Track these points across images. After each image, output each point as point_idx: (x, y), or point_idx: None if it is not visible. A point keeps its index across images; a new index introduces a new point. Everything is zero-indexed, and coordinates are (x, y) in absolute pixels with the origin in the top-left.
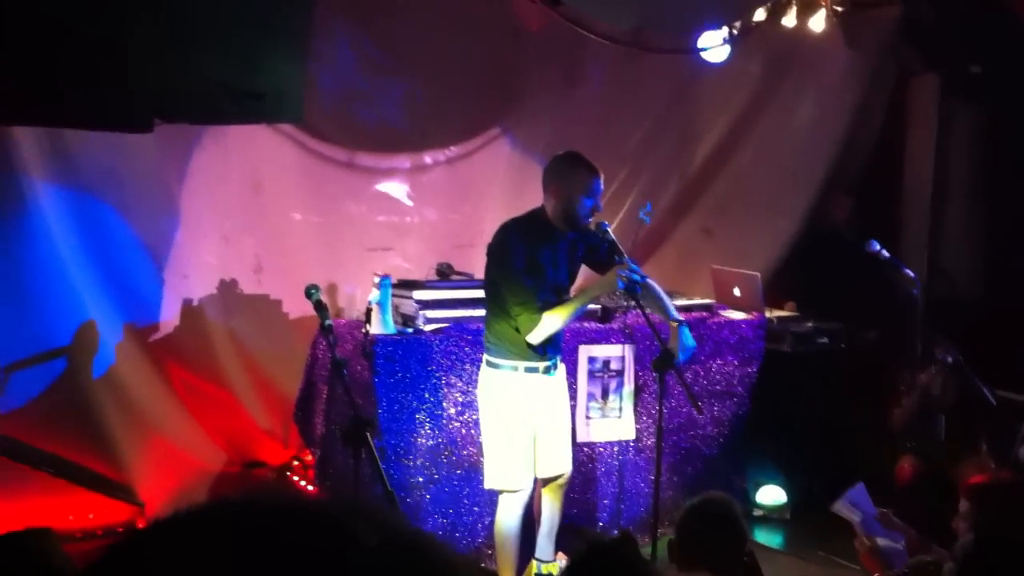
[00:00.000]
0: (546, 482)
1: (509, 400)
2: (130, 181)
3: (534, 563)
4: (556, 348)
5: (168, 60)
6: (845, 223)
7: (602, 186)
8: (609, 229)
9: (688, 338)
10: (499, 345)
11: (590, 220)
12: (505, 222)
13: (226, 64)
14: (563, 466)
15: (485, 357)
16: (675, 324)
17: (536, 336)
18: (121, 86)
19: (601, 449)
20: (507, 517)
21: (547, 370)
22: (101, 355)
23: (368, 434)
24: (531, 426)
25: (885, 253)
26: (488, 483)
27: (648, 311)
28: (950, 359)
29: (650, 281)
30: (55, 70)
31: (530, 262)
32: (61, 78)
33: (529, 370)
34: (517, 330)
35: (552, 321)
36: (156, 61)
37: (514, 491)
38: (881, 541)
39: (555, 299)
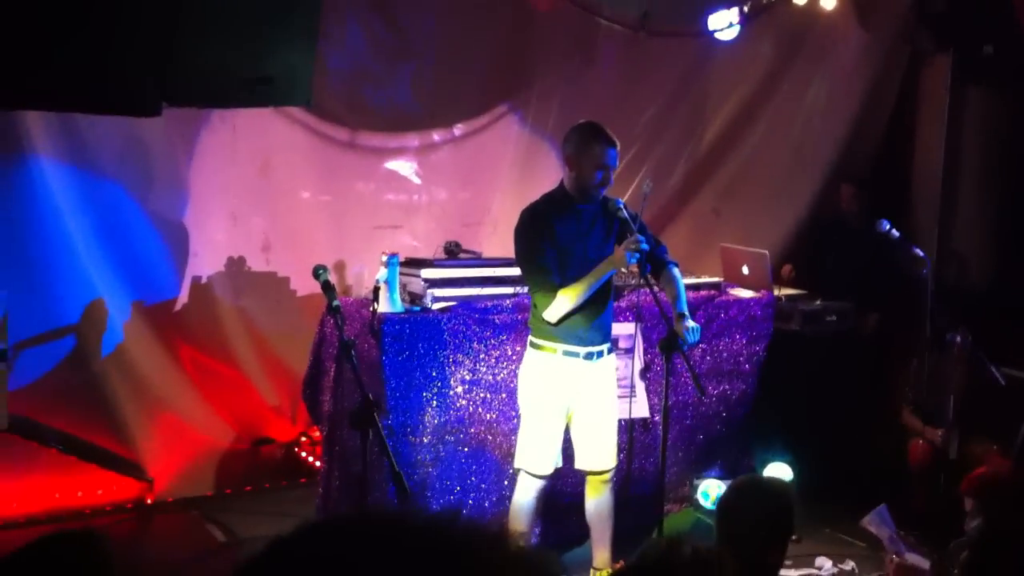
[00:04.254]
0: (587, 477)
1: (543, 383)
2: (139, 160)
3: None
4: (602, 334)
5: (176, 45)
6: (853, 213)
7: (617, 158)
8: (623, 206)
9: (691, 332)
10: (538, 327)
11: (604, 190)
12: (526, 206)
13: (234, 49)
14: (603, 461)
15: (528, 337)
16: (678, 314)
17: (551, 314)
18: (130, 72)
19: None
20: (522, 497)
21: (589, 356)
22: (110, 333)
23: (375, 415)
24: (564, 413)
25: (895, 233)
26: (516, 461)
27: (657, 289)
28: (959, 340)
29: (675, 271)
30: (64, 56)
31: (548, 240)
32: (70, 64)
33: (568, 354)
34: None
35: (565, 298)
36: (164, 46)
37: (534, 475)
38: (910, 557)
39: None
